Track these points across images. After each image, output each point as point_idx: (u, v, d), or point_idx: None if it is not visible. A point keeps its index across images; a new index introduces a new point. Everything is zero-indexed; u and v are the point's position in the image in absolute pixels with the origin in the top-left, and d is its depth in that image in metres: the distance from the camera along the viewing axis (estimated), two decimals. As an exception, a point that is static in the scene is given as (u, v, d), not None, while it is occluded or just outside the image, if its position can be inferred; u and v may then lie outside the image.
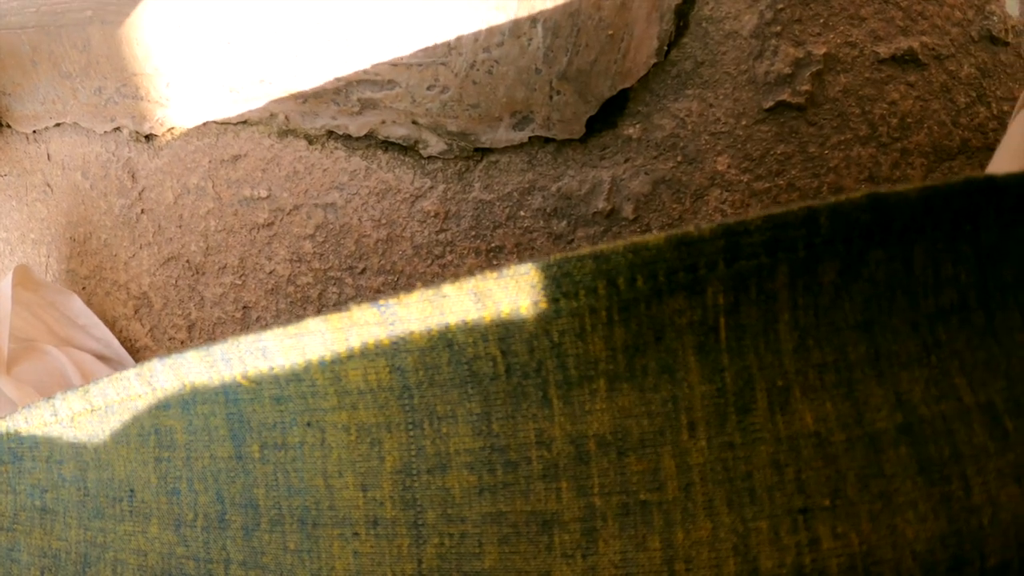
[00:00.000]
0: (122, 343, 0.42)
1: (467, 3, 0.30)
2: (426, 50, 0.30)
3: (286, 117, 0.34)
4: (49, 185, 0.43)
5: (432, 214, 0.34)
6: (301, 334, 0.16)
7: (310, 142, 0.34)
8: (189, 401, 0.19)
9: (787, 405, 0.14)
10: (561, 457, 0.15)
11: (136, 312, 0.41)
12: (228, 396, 0.18)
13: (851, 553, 0.13)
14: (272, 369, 0.17)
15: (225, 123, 0.35)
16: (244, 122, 0.35)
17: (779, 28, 0.33)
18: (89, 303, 0.43)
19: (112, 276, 0.42)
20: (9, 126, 0.45)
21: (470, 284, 0.15)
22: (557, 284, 0.14)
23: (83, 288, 0.44)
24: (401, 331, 0.16)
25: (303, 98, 0.33)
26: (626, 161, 0.33)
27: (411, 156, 0.33)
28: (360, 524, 0.17)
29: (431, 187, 0.33)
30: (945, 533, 0.13)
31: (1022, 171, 0.14)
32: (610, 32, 0.31)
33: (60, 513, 0.21)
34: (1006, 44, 0.34)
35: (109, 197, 0.40)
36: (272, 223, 0.36)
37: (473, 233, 0.33)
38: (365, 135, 0.33)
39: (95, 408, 0.20)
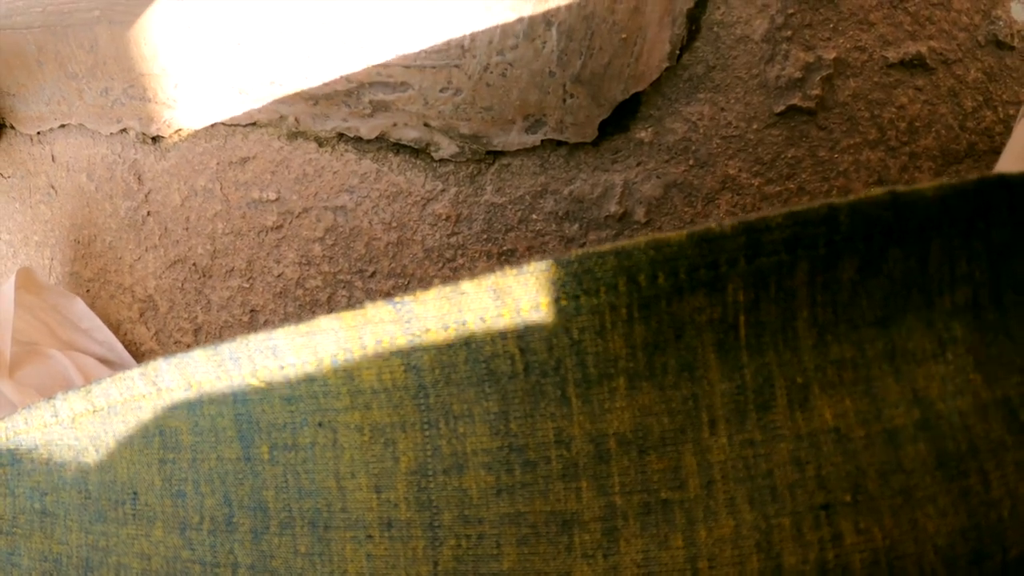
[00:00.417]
0: (127, 347, 0.41)
1: (481, 5, 0.30)
2: (439, 52, 0.30)
3: (296, 119, 0.34)
4: (53, 187, 0.43)
5: (443, 217, 0.34)
6: (313, 332, 0.16)
7: (320, 144, 0.34)
8: (195, 402, 0.18)
9: (806, 402, 0.14)
10: (581, 456, 0.15)
11: (141, 315, 0.41)
12: (236, 396, 0.18)
13: (874, 548, 0.13)
14: (283, 368, 0.17)
15: (234, 125, 0.35)
16: (253, 124, 0.34)
17: (790, 33, 0.33)
18: (93, 306, 0.42)
19: (117, 279, 0.42)
20: (13, 127, 0.44)
21: (489, 281, 0.15)
22: (578, 281, 0.14)
23: (87, 291, 0.43)
24: (417, 329, 0.16)
25: (313, 100, 0.33)
26: (638, 165, 0.33)
27: (423, 159, 0.33)
28: (374, 526, 0.17)
29: (443, 190, 0.33)
30: (965, 527, 0.13)
31: None
32: (623, 36, 0.31)
33: (61, 516, 0.21)
34: (1012, 48, 0.34)
35: (115, 199, 0.39)
36: (281, 226, 0.35)
37: (485, 236, 0.33)
38: (376, 137, 0.33)
39: (97, 409, 0.20)
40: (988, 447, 0.13)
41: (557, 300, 0.14)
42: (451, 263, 0.34)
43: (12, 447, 0.21)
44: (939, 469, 0.13)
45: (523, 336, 0.15)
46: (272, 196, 0.35)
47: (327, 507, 0.17)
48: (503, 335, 0.15)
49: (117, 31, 0.37)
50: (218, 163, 0.36)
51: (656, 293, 0.14)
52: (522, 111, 0.31)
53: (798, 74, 0.33)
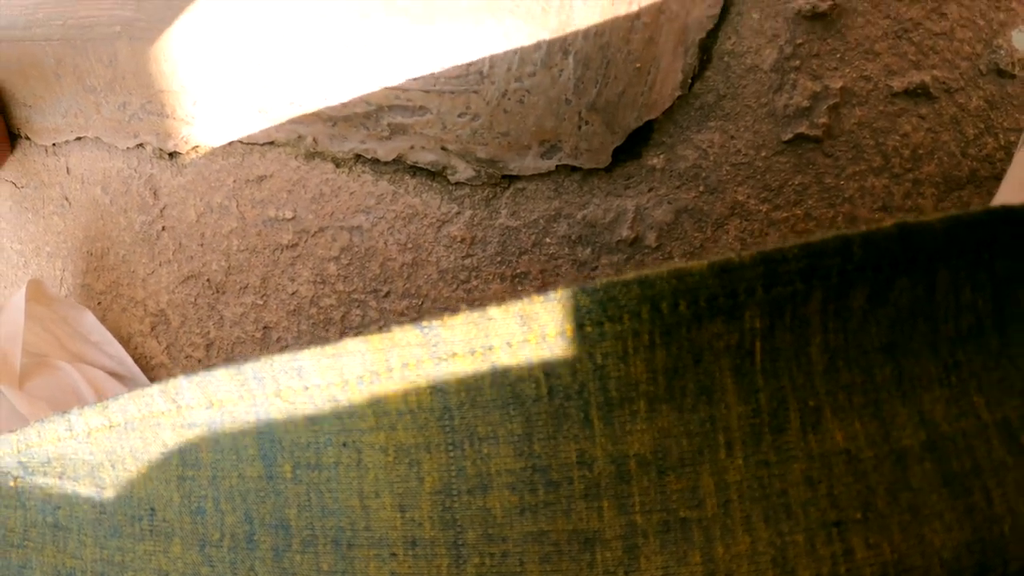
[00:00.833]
0: (137, 360, 0.41)
1: (500, 32, 0.30)
2: (458, 78, 0.31)
3: (314, 139, 0.34)
4: (67, 199, 0.43)
5: (458, 239, 0.34)
6: (339, 354, 0.17)
7: (337, 165, 0.34)
8: (216, 420, 0.19)
9: (819, 424, 0.15)
10: (602, 476, 0.15)
11: (152, 329, 0.41)
12: (259, 415, 0.18)
13: (883, 562, 0.14)
14: (307, 389, 0.17)
15: (251, 143, 0.35)
16: (271, 143, 0.35)
17: (798, 63, 0.33)
18: (104, 319, 0.43)
19: (129, 292, 0.42)
20: (28, 138, 0.45)
21: (516, 307, 0.15)
22: (603, 308, 0.15)
23: (98, 303, 0.43)
24: (444, 352, 0.16)
25: (332, 121, 0.33)
26: (650, 190, 0.33)
27: (439, 182, 0.33)
28: (398, 544, 0.17)
29: (458, 212, 0.33)
30: (970, 541, 0.14)
31: None
32: (638, 65, 0.31)
33: (74, 530, 0.21)
34: (1013, 76, 0.35)
35: (129, 213, 0.40)
36: (296, 244, 0.36)
37: (499, 259, 0.34)
38: (393, 160, 0.33)
39: (114, 424, 0.20)
40: (990, 466, 0.14)
41: (582, 326, 0.15)
42: (465, 284, 0.34)
43: (24, 460, 0.21)
44: (945, 487, 0.14)
45: (548, 360, 0.15)
46: (288, 215, 0.35)
47: (350, 525, 0.17)
48: (528, 359, 0.15)
49: (138, 47, 0.37)
50: (235, 180, 0.36)
51: (677, 320, 0.15)
52: (538, 137, 0.32)
53: (805, 103, 0.34)
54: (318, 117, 0.33)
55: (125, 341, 0.42)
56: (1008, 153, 0.35)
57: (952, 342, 0.15)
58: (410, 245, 0.34)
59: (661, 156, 0.33)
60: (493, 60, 0.31)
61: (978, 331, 0.15)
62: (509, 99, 0.31)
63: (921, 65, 0.34)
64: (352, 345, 0.16)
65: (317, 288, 0.35)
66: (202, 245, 0.38)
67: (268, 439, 0.18)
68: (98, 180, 0.41)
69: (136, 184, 0.39)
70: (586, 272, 0.34)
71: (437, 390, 0.16)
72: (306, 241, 0.35)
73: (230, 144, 0.36)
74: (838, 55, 0.33)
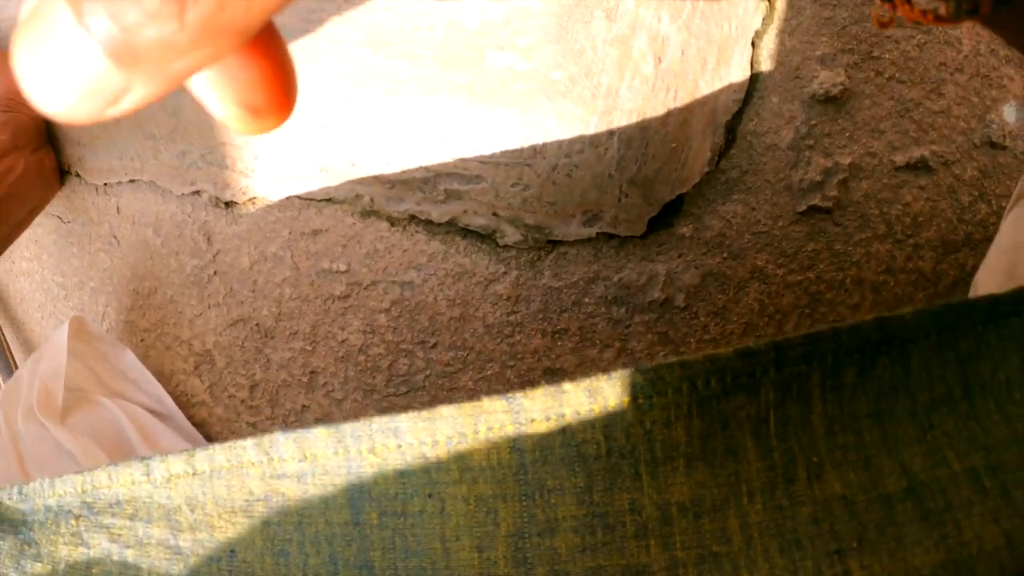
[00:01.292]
0: (178, 397, 0.42)
1: (555, 115, 0.33)
2: (514, 152, 0.34)
3: (371, 199, 0.36)
4: (116, 237, 0.45)
5: (504, 297, 0.36)
6: (434, 419, 0.19)
7: (392, 224, 0.36)
8: (307, 471, 0.20)
9: (821, 476, 0.18)
10: (650, 520, 0.19)
11: (196, 368, 0.42)
12: (351, 468, 0.20)
13: None
14: (400, 447, 0.19)
15: (309, 199, 0.37)
16: (328, 200, 0.37)
17: (812, 141, 0.37)
18: (146, 356, 0.44)
19: (175, 332, 0.43)
20: (79, 175, 0.46)
21: (586, 383, 0.19)
22: (652, 384, 0.18)
23: (141, 340, 0.45)
24: (524, 419, 0.19)
25: (391, 183, 0.35)
26: (679, 256, 0.36)
27: (488, 243, 0.36)
28: None
29: (504, 272, 0.36)
30: (945, 561, 0.17)
31: (990, 294, 0.18)
32: (673, 145, 0.34)
33: (144, 570, 0.21)
34: (1004, 148, 0.39)
35: (181, 256, 0.41)
36: (348, 295, 0.38)
37: (541, 316, 0.36)
38: (446, 222, 0.36)
39: (198, 472, 0.21)
40: (960, 504, 0.18)
41: (635, 399, 0.19)
42: (508, 339, 0.36)
43: (89, 500, 0.22)
44: (923, 521, 0.18)
45: (608, 426, 0.19)
46: (342, 267, 0.37)
47: (431, 565, 0.19)
48: (593, 425, 0.19)
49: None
50: (290, 232, 0.38)
51: (709, 395, 0.18)
52: (582, 207, 0.35)
53: (818, 177, 0.37)
54: (377, 179, 0.36)
55: (167, 378, 0.43)
56: (1000, 218, 0.39)
57: (927, 408, 0.18)
58: (458, 301, 0.36)
59: (690, 225, 0.36)
60: (546, 137, 0.33)
61: (949, 398, 0.18)
62: (558, 172, 0.34)
63: (921, 141, 0.37)
64: (446, 411, 0.19)
65: (367, 337, 0.37)
66: (253, 291, 0.39)
67: (357, 490, 0.19)
68: (150, 222, 0.42)
69: (190, 229, 0.41)
70: (620, 330, 0.36)
71: (515, 449, 0.19)
72: (358, 293, 0.37)
73: (288, 198, 0.38)
74: (847, 134, 0.37)
